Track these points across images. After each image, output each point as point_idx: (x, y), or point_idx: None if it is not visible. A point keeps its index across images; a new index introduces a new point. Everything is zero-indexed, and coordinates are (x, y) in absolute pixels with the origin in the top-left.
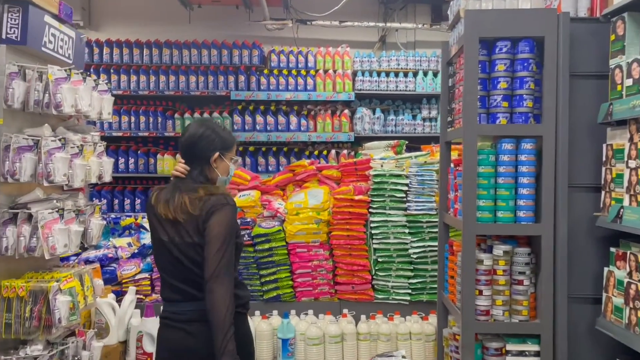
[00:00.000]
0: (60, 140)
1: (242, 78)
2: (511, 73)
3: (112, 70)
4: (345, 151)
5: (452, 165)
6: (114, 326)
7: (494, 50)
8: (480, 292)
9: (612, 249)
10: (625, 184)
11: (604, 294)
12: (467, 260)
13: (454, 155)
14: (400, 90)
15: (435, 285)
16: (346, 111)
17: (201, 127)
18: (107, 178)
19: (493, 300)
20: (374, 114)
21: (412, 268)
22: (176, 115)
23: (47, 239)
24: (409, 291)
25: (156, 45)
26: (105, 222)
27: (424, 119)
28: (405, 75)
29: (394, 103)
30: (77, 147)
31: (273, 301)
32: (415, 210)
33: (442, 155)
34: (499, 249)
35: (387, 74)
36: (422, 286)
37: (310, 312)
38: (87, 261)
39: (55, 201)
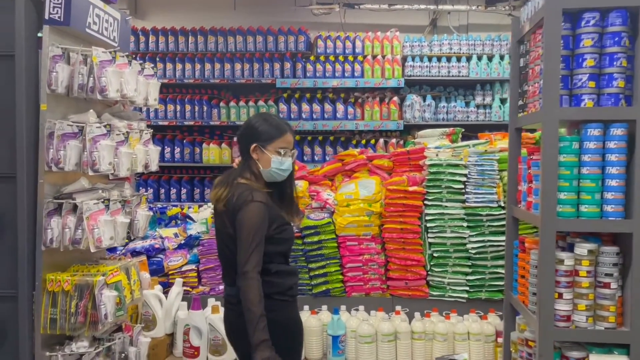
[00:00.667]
0: (105, 126)
1: (287, 65)
2: (599, 49)
3: (157, 59)
4: (393, 140)
5: (524, 153)
6: (160, 318)
7: (579, 24)
8: (560, 296)
9: None
10: None
11: None
12: (546, 259)
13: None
14: (452, 76)
15: (495, 283)
16: (395, 98)
17: (248, 121)
18: (154, 167)
19: (574, 304)
20: (424, 101)
21: (470, 264)
22: (221, 104)
23: (92, 230)
24: (467, 288)
25: (201, 32)
26: (151, 213)
27: (477, 106)
28: (458, 60)
29: (445, 89)
30: (123, 134)
31: (322, 296)
32: (475, 202)
33: (512, 143)
34: (583, 248)
35: (439, 59)
36: (481, 283)
37: (361, 308)
38: (134, 252)
39: (100, 191)
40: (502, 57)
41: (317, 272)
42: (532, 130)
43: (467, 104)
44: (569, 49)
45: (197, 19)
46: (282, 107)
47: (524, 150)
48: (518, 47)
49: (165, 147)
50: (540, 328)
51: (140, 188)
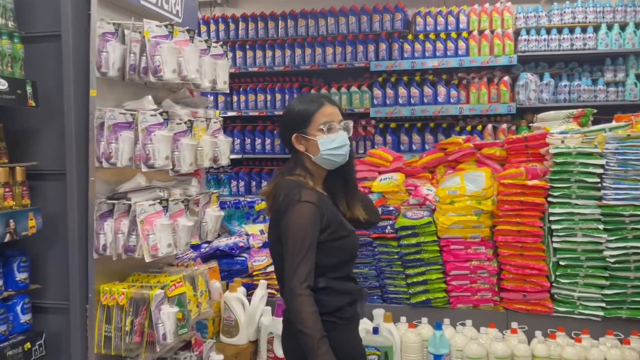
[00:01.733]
0: (162, 114)
1: (383, 46)
2: None
3: (247, 47)
4: (504, 125)
5: None
6: (243, 324)
7: None
8: None
9: None
10: None
11: None
12: None
13: None
14: (576, 50)
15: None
16: (506, 78)
17: (284, 112)
18: (224, 161)
19: None
20: (541, 79)
21: (607, 275)
22: (312, 92)
23: (147, 236)
24: (603, 304)
25: (291, 16)
26: (222, 213)
27: (607, 84)
28: (583, 30)
29: (567, 66)
30: (185, 123)
31: (421, 306)
32: (614, 200)
33: None
34: None
35: (559, 31)
36: (621, 299)
37: (469, 322)
38: (217, 250)
39: (158, 190)
40: (637, 26)
41: (415, 280)
42: None
43: (595, 82)
44: None
45: (287, 3)
46: (377, 92)
47: None
48: None
49: (256, 138)
50: None
51: (232, 180)
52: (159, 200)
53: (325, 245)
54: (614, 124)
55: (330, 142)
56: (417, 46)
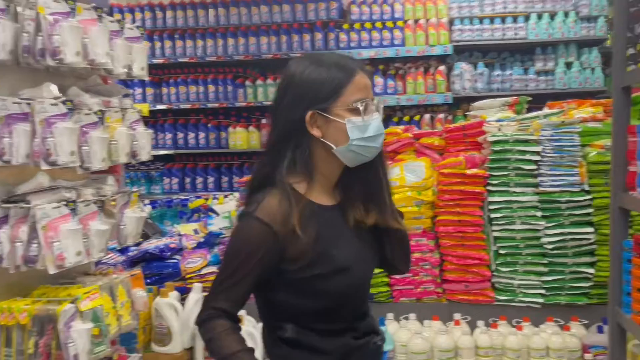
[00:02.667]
0: (65, 104)
1: (319, 36)
2: None
3: (176, 36)
4: (441, 115)
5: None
6: (177, 331)
7: None
8: None
9: None
10: None
11: None
12: None
13: None
14: (508, 39)
15: (578, 285)
16: (441, 68)
17: (287, 77)
18: (145, 156)
19: None
20: (475, 69)
21: (546, 262)
22: (247, 83)
23: (50, 244)
24: (542, 291)
25: (222, 4)
26: (145, 214)
27: (538, 73)
28: (515, 20)
29: (499, 55)
30: (95, 114)
31: None
32: (551, 186)
33: (618, 108)
34: None
35: (492, 20)
36: (560, 285)
37: (412, 316)
38: (147, 253)
39: (63, 191)
40: (566, 14)
41: None
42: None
43: (526, 71)
44: None
45: None
46: None
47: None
48: None
49: (189, 132)
50: None
51: (164, 177)
52: (64, 202)
53: (296, 283)
54: (548, 111)
55: (364, 129)
56: (353, 36)
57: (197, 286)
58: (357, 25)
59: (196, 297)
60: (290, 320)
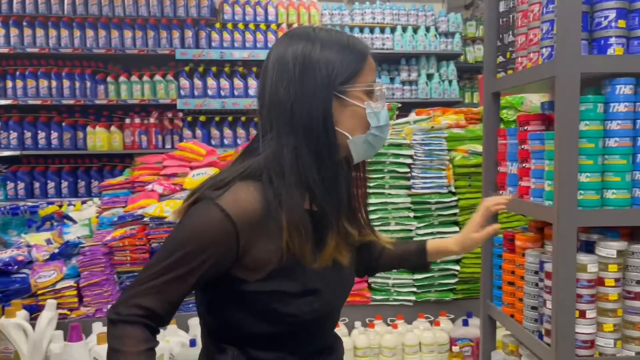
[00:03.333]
0: None
1: (189, 33)
2: None
3: (25, 23)
4: None
5: (508, 124)
6: (26, 355)
7: None
8: (582, 314)
9: None
10: None
11: None
12: (565, 267)
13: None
14: (376, 49)
15: (445, 281)
16: None
17: (283, 59)
18: None
19: (598, 324)
20: None
21: None
22: (109, 79)
23: None
24: (414, 289)
25: None
26: None
27: (403, 82)
28: (382, 31)
29: None
30: None
31: None
32: (422, 188)
33: (488, 112)
34: (609, 248)
35: (361, 30)
36: (430, 282)
37: None
38: None
39: None
40: (427, 29)
41: None
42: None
43: (392, 80)
44: None
45: None
46: (184, 82)
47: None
48: None
49: (39, 131)
50: None
51: (8, 182)
52: None
53: (251, 296)
54: (417, 117)
55: (379, 116)
56: (226, 35)
57: (50, 303)
58: (229, 25)
59: (49, 315)
60: (233, 343)
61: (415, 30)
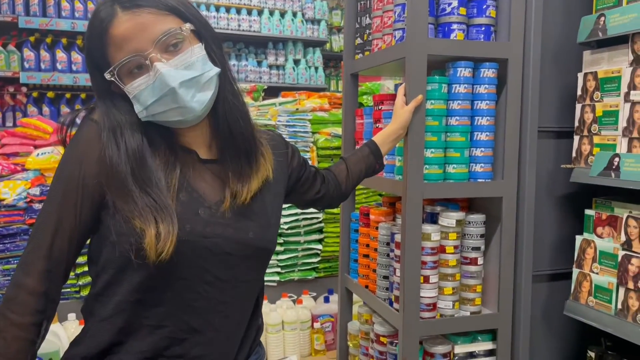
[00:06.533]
0: None
1: (34, 0)
2: None
3: None
4: None
5: (365, 104)
6: None
7: None
8: (426, 279)
9: (589, 212)
10: (622, 124)
11: (576, 270)
12: (413, 236)
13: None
14: (242, 31)
15: (308, 261)
16: None
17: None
18: None
19: (440, 288)
20: None
21: (282, 241)
22: None
23: None
24: (278, 269)
25: None
26: None
27: (270, 66)
28: (249, 12)
29: (234, 46)
30: None
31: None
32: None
33: (348, 93)
34: (450, 218)
35: (227, 10)
36: (293, 262)
37: None
38: None
39: None
40: (294, 14)
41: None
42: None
43: (260, 64)
44: None
45: None
46: (29, 53)
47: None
48: None
49: None
50: (406, 324)
51: None
52: None
53: (109, 231)
54: (283, 99)
55: (140, 97)
56: (78, 5)
57: None
58: None
59: None
60: (107, 286)
61: (282, 14)
